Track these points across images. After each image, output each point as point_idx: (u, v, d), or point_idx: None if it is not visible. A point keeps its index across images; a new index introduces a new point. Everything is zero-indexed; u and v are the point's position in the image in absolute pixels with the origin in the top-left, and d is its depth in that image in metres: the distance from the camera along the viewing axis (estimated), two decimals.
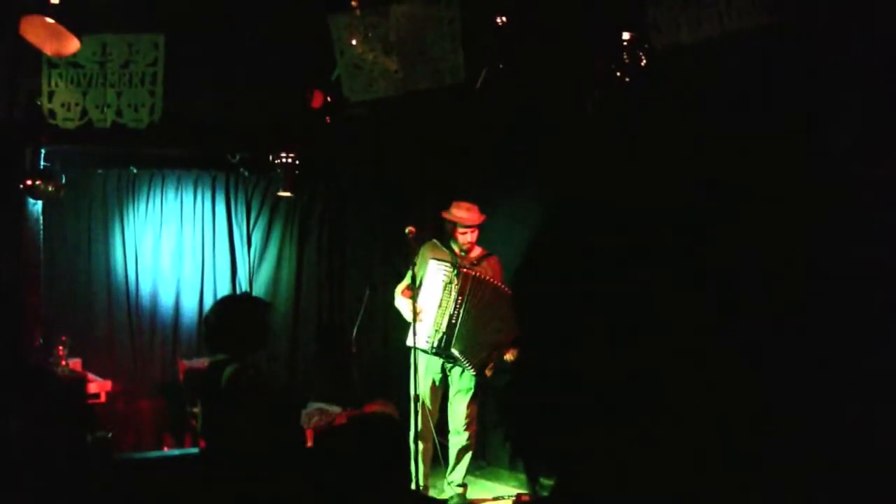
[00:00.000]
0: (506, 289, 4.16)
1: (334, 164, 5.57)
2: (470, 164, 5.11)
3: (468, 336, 4.22)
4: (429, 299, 4.27)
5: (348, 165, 5.59)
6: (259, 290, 5.53)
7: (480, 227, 4.33)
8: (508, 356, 4.24)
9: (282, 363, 5.50)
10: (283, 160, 4.86)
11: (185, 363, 5.04)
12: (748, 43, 3.18)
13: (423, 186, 5.36)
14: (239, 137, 4.91)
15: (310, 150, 4.96)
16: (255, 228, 5.66)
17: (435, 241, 4.43)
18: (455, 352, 4.22)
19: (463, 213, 4.35)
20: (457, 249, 4.35)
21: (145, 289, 5.35)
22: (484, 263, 4.38)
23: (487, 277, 4.26)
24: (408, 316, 4.26)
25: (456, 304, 4.22)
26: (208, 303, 5.31)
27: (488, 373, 4.27)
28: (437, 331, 4.24)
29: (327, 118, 4.46)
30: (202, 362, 4.26)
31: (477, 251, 4.44)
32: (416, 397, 4.21)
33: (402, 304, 4.38)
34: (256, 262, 5.64)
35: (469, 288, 4.22)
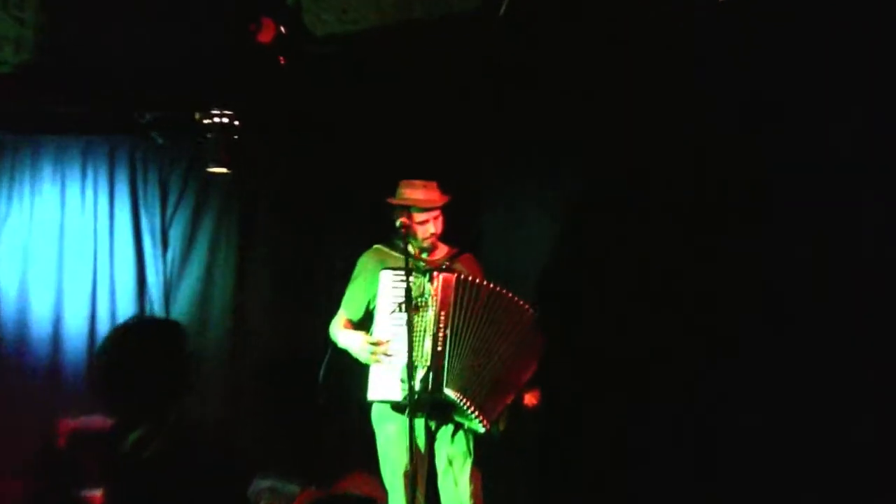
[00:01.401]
0: (509, 294, 4.19)
1: (293, 126, 5.37)
2: (485, 129, 5.08)
3: (466, 369, 4.10)
4: (390, 326, 4.18)
5: (315, 128, 5.38)
6: (179, 311, 5.48)
7: (445, 215, 4.36)
8: (530, 399, 4.19)
9: (215, 419, 5.31)
10: (216, 121, 4.77)
11: (70, 422, 4.84)
12: None
13: (426, 158, 5.14)
14: (150, 87, 4.79)
15: (256, 105, 4.85)
16: (174, 222, 5.59)
17: (379, 245, 4.44)
18: (450, 394, 4.07)
19: (418, 193, 4.32)
20: (415, 250, 4.33)
21: (7, 312, 5.29)
22: (457, 265, 4.37)
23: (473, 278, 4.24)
24: (361, 355, 4.22)
25: (438, 323, 4.10)
26: (102, 332, 5.25)
27: (501, 426, 4.16)
28: (416, 368, 4.05)
29: (281, 59, 4.39)
30: (98, 421, 4.07)
31: (444, 250, 4.44)
32: (408, 473, 4.13)
33: (347, 339, 4.33)
34: (175, 271, 5.58)
35: (454, 297, 4.13)
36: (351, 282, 4.42)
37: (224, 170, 4.95)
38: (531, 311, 4.21)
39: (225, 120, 4.78)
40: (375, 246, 4.43)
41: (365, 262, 4.39)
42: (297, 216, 5.56)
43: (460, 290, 4.13)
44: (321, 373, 4.46)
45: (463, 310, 4.12)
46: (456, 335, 4.10)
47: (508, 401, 4.13)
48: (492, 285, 4.19)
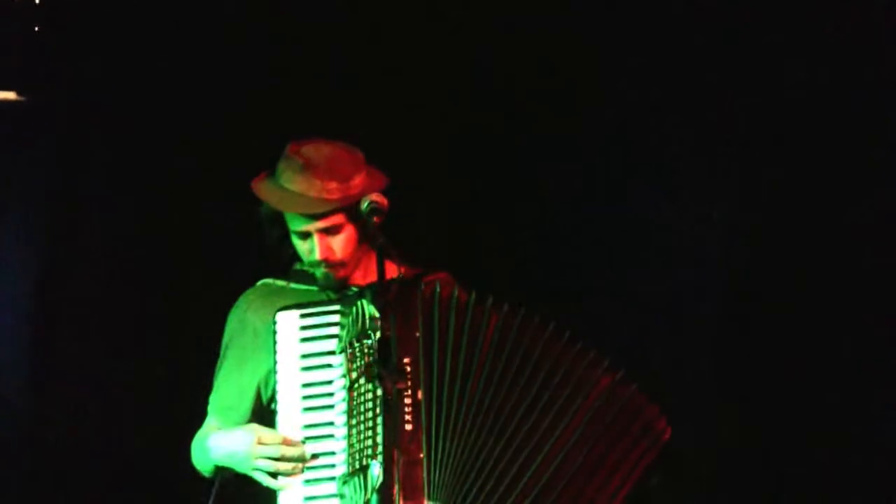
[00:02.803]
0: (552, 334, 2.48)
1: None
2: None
3: (466, 475, 2.35)
4: (303, 413, 2.48)
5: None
6: None
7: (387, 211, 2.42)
8: None
9: None
10: None
11: None
12: None
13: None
14: None
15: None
16: None
17: (268, 280, 2.73)
18: None
19: (296, 179, 2.53)
20: (322, 279, 2.63)
21: None
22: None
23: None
24: (253, 466, 2.45)
25: (404, 380, 2.30)
26: None
27: None
28: (364, 473, 2.28)
29: None
30: None
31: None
32: None
33: (223, 443, 2.55)
34: None
35: (434, 324, 2.43)
36: (220, 361, 2.67)
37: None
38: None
39: None
40: (262, 282, 2.72)
41: (247, 312, 2.66)
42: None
43: (446, 311, 2.44)
44: None
45: (455, 351, 2.40)
46: (445, 399, 2.37)
47: None
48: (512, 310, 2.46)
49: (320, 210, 2.49)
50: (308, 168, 2.51)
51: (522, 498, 2.34)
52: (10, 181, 3.79)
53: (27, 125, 3.79)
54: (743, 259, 3.61)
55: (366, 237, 2.55)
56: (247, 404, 2.62)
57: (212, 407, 2.67)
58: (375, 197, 2.36)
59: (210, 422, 2.65)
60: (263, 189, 2.57)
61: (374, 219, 2.32)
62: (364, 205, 2.33)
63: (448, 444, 2.33)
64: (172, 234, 3.78)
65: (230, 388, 2.65)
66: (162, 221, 3.78)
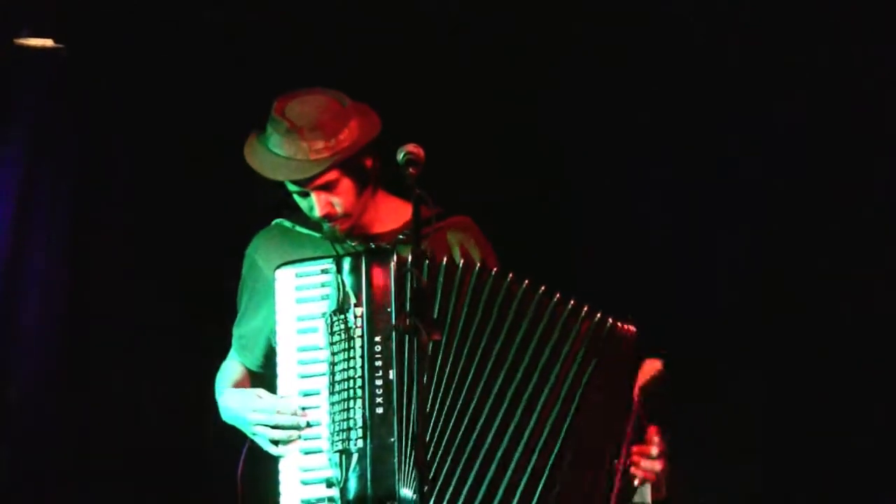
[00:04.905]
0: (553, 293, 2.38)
1: None
2: None
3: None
4: (299, 377, 2.40)
5: None
6: None
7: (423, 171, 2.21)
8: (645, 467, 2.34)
9: None
10: None
11: None
12: None
13: None
14: None
15: None
16: None
17: (282, 220, 2.67)
18: None
19: (284, 143, 2.44)
20: (328, 232, 2.57)
21: None
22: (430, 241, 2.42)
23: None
24: (252, 430, 2.45)
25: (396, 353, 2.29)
26: None
27: None
28: (351, 453, 2.27)
29: None
30: None
31: (397, 218, 2.59)
32: None
33: (232, 402, 2.58)
34: None
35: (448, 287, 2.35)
36: (239, 294, 2.68)
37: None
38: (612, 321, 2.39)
39: None
40: (276, 221, 2.68)
41: (256, 255, 2.64)
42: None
43: (439, 276, 2.35)
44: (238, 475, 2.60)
45: (454, 319, 2.33)
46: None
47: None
48: (511, 275, 2.37)
49: (309, 174, 2.41)
50: (293, 130, 2.41)
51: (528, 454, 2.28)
52: (34, 184, 3.74)
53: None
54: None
55: (365, 183, 2.50)
56: (261, 345, 2.59)
57: (234, 343, 2.68)
58: (412, 148, 2.16)
59: (232, 355, 2.68)
60: (253, 156, 2.48)
61: (411, 170, 2.13)
62: (400, 156, 2.16)
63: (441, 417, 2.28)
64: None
65: (247, 327, 2.63)
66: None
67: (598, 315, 2.36)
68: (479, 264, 2.41)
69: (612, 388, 2.34)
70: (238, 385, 2.61)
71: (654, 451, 2.32)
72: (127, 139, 3.73)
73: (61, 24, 3.62)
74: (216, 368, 2.73)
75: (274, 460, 2.41)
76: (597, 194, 3.62)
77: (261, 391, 2.47)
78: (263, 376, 2.60)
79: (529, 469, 2.28)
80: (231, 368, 2.68)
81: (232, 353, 2.70)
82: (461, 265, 2.39)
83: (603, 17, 3.60)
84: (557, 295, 2.36)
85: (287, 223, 2.64)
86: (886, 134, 3.35)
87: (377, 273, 2.35)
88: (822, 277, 3.40)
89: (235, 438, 2.59)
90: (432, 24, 3.64)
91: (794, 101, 3.45)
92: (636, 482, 2.31)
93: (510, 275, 2.37)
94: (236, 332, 2.68)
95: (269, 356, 2.55)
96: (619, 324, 2.38)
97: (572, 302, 2.37)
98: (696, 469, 2.75)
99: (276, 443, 2.37)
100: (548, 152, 3.69)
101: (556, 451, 2.29)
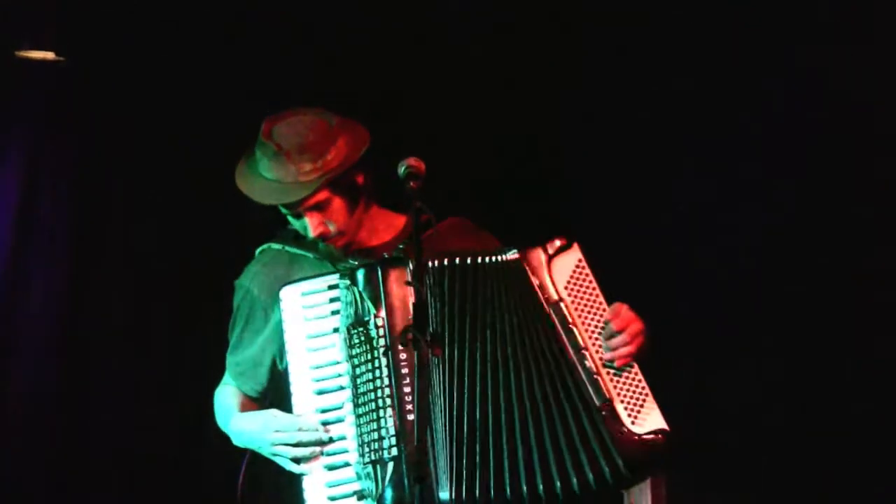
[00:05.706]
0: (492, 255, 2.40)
1: None
2: None
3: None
4: (315, 394, 2.38)
5: None
6: None
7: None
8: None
9: None
10: None
11: None
12: None
13: None
14: None
15: None
16: None
17: (276, 243, 2.64)
18: None
19: (274, 166, 2.44)
20: (325, 250, 2.57)
21: None
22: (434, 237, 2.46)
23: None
24: (270, 450, 2.41)
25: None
26: None
27: None
28: (385, 459, 2.25)
29: None
30: None
31: (390, 229, 2.63)
32: None
33: (244, 425, 2.53)
34: None
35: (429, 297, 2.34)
36: (232, 324, 2.63)
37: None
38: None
39: None
40: (264, 247, 2.65)
41: (251, 284, 2.59)
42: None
43: (445, 279, 2.35)
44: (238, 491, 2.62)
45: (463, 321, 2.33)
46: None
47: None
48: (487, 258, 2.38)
49: (300, 196, 2.39)
50: (280, 153, 2.40)
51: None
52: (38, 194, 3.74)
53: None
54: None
55: (357, 200, 2.49)
56: (262, 372, 2.57)
57: (229, 369, 2.63)
58: (413, 161, 2.16)
59: (228, 381, 2.63)
60: (244, 181, 2.48)
61: (412, 184, 2.14)
62: (401, 170, 2.16)
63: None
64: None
65: (243, 355, 2.60)
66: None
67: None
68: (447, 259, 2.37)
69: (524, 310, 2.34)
70: (238, 409, 2.57)
71: (612, 326, 2.32)
72: (127, 140, 3.74)
73: (62, 36, 3.62)
74: (216, 369, 2.70)
75: (282, 475, 2.41)
76: (597, 194, 3.63)
77: (275, 411, 2.43)
78: (263, 401, 2.57)
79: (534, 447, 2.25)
80: (229, 395, 2.63)
81: (226, 379, 2.65)
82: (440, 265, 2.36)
83: (603, 18, 3.62)
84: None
85: (276, 245, 2.61)
86: (886, 134, 3.36)
87: (394, 282, 2.33)
88: (821, 277, 3.42)
89: (234, 443, 2.60)
90: (432, 24, 3.66)
91: (794, 101, 3.47)
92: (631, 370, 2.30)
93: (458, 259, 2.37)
94: (231, 359, 2.63)
95: (271, 381, 2.55)
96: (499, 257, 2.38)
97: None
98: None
99: (297, 461, 2.34)
100: (548, 152, 3.71)
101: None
